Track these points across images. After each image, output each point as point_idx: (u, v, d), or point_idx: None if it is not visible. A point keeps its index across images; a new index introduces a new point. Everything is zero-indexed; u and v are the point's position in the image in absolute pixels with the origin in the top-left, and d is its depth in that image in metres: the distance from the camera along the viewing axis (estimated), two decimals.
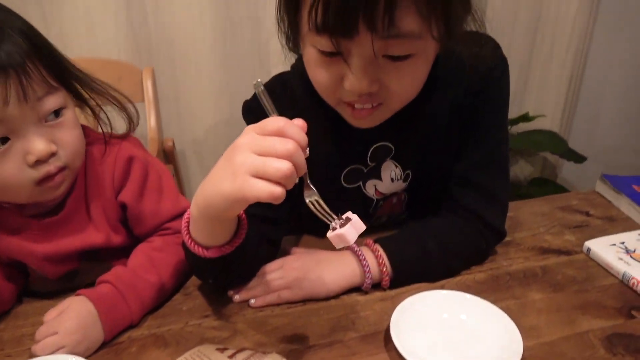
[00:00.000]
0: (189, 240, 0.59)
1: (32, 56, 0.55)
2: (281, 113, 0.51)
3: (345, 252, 0.70)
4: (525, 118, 1.72)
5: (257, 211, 0.65)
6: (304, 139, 0.47)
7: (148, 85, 1.18)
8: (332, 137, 0.71)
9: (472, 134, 0.72)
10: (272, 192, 0.44)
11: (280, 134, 0.46)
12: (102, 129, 0.68)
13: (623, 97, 1.91)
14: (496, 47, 0.71)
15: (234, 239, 0.58)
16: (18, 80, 0.53)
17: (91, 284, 0.64)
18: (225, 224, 0.57)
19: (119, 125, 0.71)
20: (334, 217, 0.52)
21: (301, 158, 0.46)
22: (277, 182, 0.45)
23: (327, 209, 0.52)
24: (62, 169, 0.60)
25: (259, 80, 0.51)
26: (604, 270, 0.72)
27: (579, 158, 1.68)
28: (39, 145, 0.56)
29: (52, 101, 0.58)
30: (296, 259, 0.70)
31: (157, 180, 0.72)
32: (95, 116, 0.67)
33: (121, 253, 0.72)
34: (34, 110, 0.56)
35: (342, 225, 0.50)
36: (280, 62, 1.63)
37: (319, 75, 0.60)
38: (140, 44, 1.44)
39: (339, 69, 0.57)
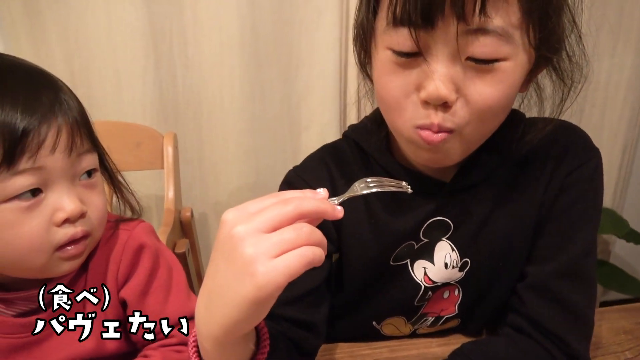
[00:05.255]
0: None
1: (81, 113, 0.55)
2: (331, 182, 0.59)
3: None
4: None
5: (287, 312, 0.54)
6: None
7: (169, 151, 1.10)
8: (385, 207, 0.63)
9: (557, 235, 0.60)
10: (306, 257, 0.37)
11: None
12: (120, 206, 0.64)
13: None
14: (586, 136, 0.63)
15: (257, 354, 0.48)
16: (70, 131, 0.52)
17: None
18: (247, 340, 0.46)
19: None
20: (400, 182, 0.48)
21: (311, 204, 0.39)
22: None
23: (390, 181, 0.47)
24: (86, 236, 0.55)
25: None
26: None
27: (639, 239, 1.51)
28: (72, 202, 0.52)
29: (90, 159, 0.56)
30: None
31: (167, 275, 0.63)
32: (116, 192, 0.64)
33: None
34: (73, 165, 0.53)
35: None
36: (310, 125, 1.53)
37: (390, 84, 0.52)
38: (166, 104, 1.39)
39: (414, 78, 0.50)
